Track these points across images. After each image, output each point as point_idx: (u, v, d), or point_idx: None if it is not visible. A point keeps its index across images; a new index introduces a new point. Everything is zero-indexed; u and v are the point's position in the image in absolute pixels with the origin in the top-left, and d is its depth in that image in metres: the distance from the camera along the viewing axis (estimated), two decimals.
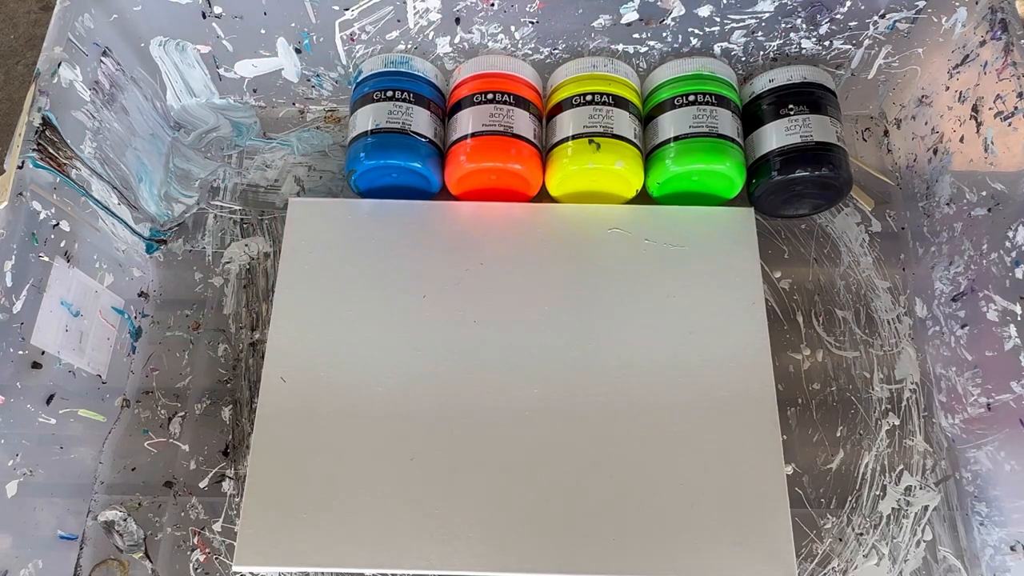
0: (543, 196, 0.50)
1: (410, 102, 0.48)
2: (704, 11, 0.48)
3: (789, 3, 0.47)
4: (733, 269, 0.47)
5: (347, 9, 0.48)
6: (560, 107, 0.48)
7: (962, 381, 0.45)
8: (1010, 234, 0.41)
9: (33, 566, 0.40)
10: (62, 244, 0.43)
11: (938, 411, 0.47)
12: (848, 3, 0.47)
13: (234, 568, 0.41)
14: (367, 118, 0.47)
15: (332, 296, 0.46)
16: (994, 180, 0.43)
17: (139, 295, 0.50)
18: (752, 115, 0.49)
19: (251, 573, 0.42)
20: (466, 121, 0.47)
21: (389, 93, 0.48)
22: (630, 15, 0.48)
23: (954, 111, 0.47)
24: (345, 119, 0.55)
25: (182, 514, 0.45)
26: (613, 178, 0.47)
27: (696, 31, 0.49)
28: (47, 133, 0.41)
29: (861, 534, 0.44)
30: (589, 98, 0.47)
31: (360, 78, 0.50)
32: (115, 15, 0.47)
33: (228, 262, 0.51)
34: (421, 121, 0.47)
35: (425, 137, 0.47)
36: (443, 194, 0.49)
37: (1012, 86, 0.42)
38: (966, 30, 0.46)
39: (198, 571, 0.44)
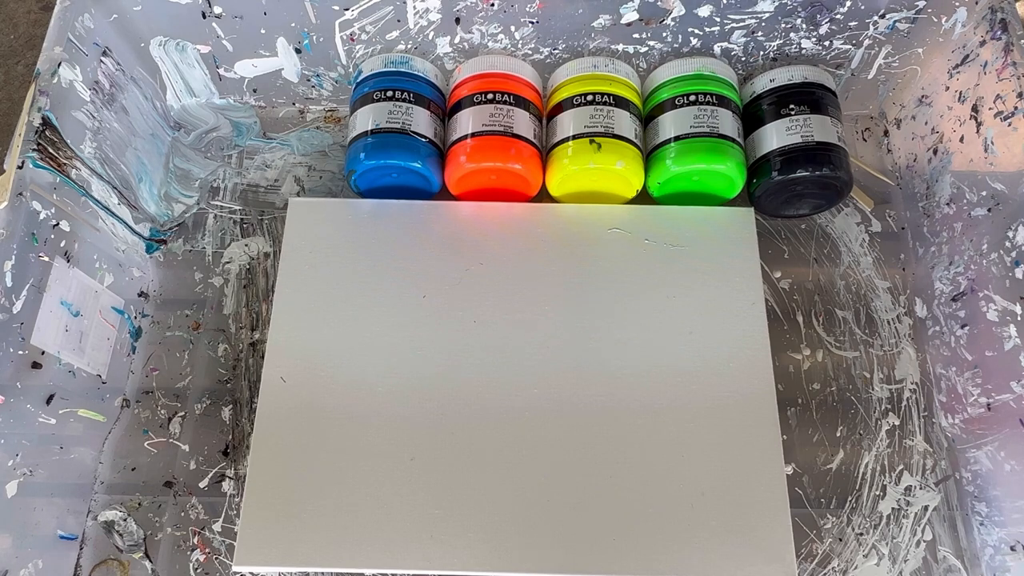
0: (543, 196, 0.50)
1: (410, 102, 0.48)
2: (704, 11, 0.48)
3: (789, 3, 0.47)
4: (733, 269, 0.47)
5: (347, 9, 0.48)
6: (560, 107, 0.48)
7: (962, 381, 0.45)
8: (1010, 234, 0.41)
9: (33, 566, 0.40)
10: (62, 244, 0.43)
11: (938, 411, 0.47)
12: (848, 3, 0.47)
13: (234, 568, 0.41)
14: (367, 118, 0.47)
15: (332, 296, 0.46)
16: (994, 180, 0.43)
17: (139, 295, 0.50)
18: (752, 115, 0.49)
19: (251, 573, 0.42)
20: (466, 121, 0.47)
21: (389, 93, 0.48)
22: (630, 15, 0.48)
23: (954, 111, 0.47)
24: (345, 119, 0.55)
25: (182, 514, 0.45)
26: (614, 178, 0.47)
27: (696, 31, 0.49)
28: (47, 133, 0.41)
29: (861, 534, 0.44)
30: (590, 98, 0.47)
31: (360, 78, 0.50)
32: (115, 15, 0.47)
33: (228, 262, 0.51)
34: (421, 121, 0.47)
35: (425, 137, 0.47)
36: (443, 194, 0.49)
37: (1012, 86, 0.42)
38: (966, 30, 0.46)
39: (198, 571, 0.44)
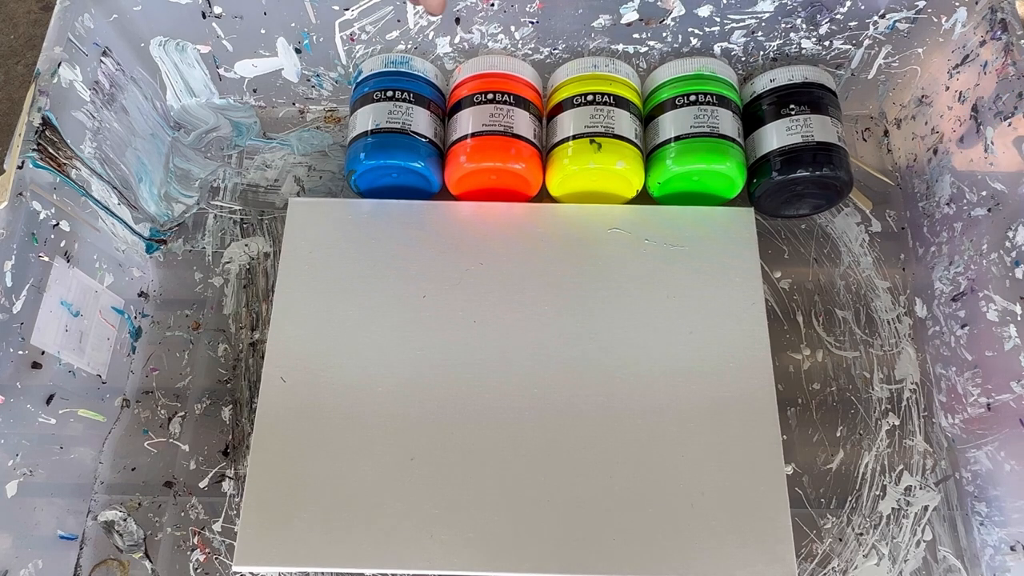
0: (543, 196, 0.50)
1: (410, 102, 0.48)
2: (704, 11, 0.48)
3: (789, 3, 0.47)
4: (733, 269, 0.46)
5: (347, 9, 0.48)
6: (561, 107, 0.48)
7: (962, 381, 0.45)
8: (1010, 234, 0.41)
9: (33, 566, 0.40)
10: (62, 244, 0.43)
11: (938, 411, 0.47)
12: (848, 3, 0.47)
13: (234, 568, 0.41)
14: (367, 118, 0.47)
15: (332, 296, 0.46)
16: (994, 180, 0.43)
17: (139, 295, 0.50)
18: (753, 115, 0.49)
19: (251, 573, 0.42)
20: (466, 121, 0.47)
21: (389, 93, 0.48)
22: (630, 15, 0.48)
23: (954, 111, 0.47)
24: (345, 119, 0.55)
25: (182, 514, 0.45)
26: (614, 178, 0.47)
27: (696, 31, 0.49)
28: (47, 133, 0.41)
29: (861, 534, 0.44)
30: (590, 98, 0.47)
31: (360, 78, 0.50)
32: (115, 15, 0.47)
33: (228, 262, 0.51)
34: (421, 121, 0.47)
35: (425, 137, 0.47)
36: (443, 194, 0.49)
37: (1012, 86, 0.42)
38: (966, 30, 0.46)
39: (198, 571, 0.44)
